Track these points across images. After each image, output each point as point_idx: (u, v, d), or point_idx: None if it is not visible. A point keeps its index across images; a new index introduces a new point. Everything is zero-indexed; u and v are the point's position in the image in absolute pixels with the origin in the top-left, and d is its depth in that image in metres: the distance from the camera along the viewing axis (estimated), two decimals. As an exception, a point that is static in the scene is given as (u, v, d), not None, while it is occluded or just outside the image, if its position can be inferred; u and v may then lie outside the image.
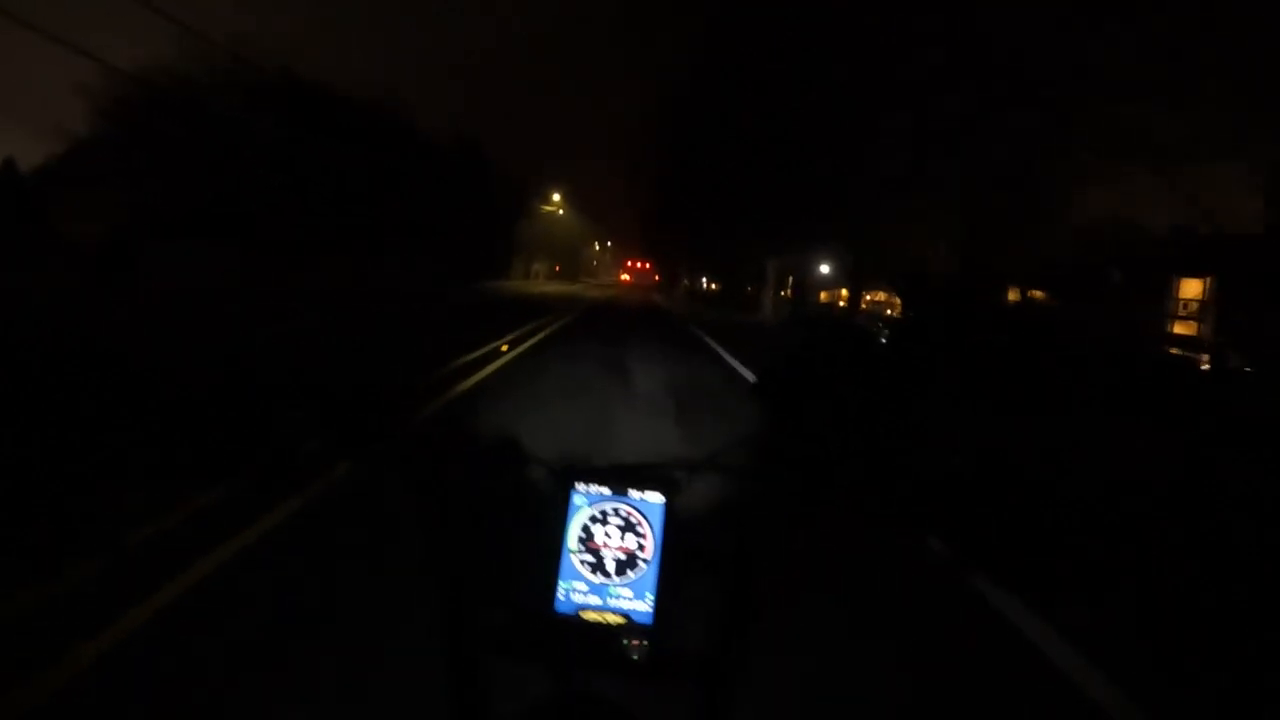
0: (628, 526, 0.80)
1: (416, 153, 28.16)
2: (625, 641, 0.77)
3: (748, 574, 0.83)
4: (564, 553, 0.80)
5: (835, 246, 22.06)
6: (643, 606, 0.78)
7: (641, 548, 0.80)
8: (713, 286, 55.40)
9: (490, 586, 0.83)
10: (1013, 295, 27.98)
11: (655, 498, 0.81)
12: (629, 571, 0.79)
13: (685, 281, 57.15)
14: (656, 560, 0.79)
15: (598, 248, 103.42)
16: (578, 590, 0.79)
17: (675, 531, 0.81)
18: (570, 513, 0.81)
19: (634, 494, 0.81)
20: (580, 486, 0.81)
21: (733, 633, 0.81)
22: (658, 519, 0.80)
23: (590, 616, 0.78)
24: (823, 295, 33.22)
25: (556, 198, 53.09)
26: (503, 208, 39.39)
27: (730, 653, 0.81)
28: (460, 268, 31.84)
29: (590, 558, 0.80)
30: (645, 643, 0.77)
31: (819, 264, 26.44)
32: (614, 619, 0.78)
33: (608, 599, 0.79)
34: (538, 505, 0.83)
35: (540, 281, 51.24)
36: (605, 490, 0.81)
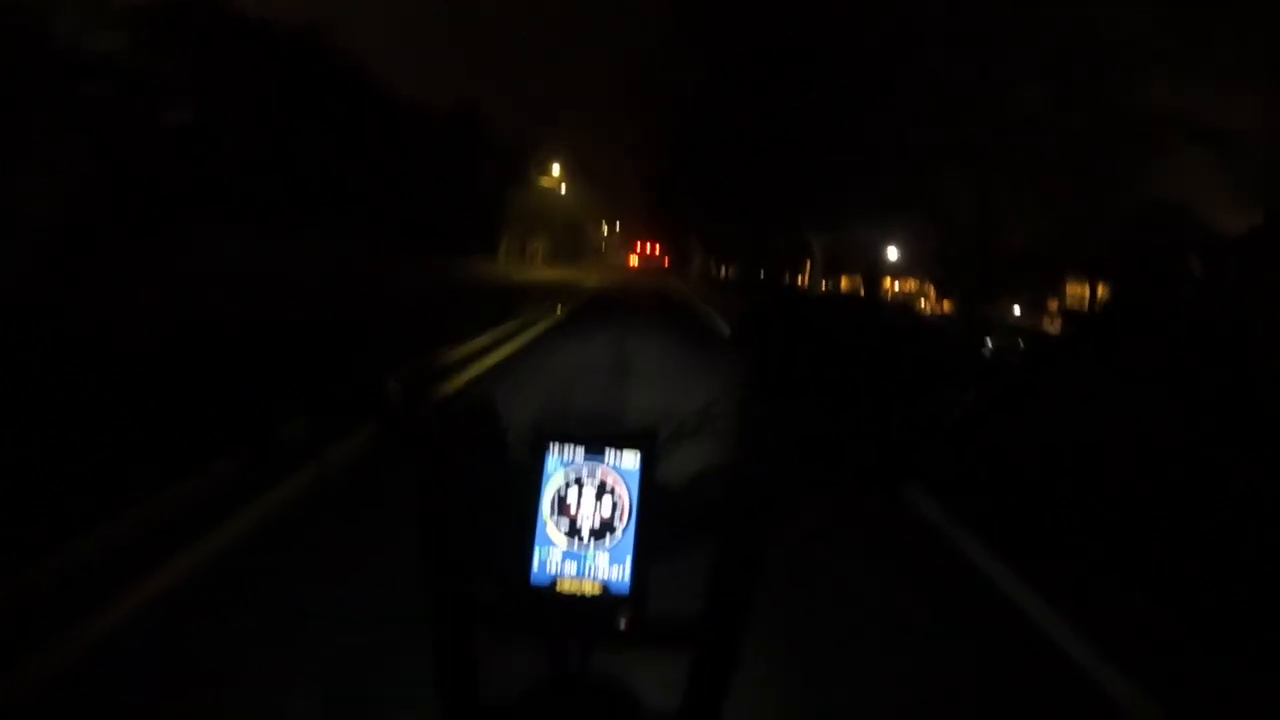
0: (603, 490, 0.82)
1: (364, 102, 25.35)
2: (605, 611, 0.79)
3: (742, 542, 0.84)
4: (538, 519, 0.81)
5: (913, 218, 18.04)
6: (619, 573, 0.79)
7: (618, 512, 0.81)
8: (728, 272, 53.73)
9: (475, 562, 0.84)
10: (1075, 288, 26.20)
11: (631, 460, 0.82)
12: (606, 537, 0.80)
13: (698, 264, 55.51)
14: (633, 525, 0.81)
15: (606, 230, 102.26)
16: (553, 558, 0.80)
17: (655, 496, 0.82)
18: (544, 478, 0.82)
19: (610, 456, 0.82)
20: (554, 449, 0.82)
21: (726, 602, 0.83)
22: (634, 482, 0.82)
23: (566, 586, 0.79)
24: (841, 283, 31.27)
25: (556, 170, 51.06)
26: (489, 175, 36.55)
27: (723, 623, 0.83)
28: (419, 244, 28.59)
29: (565, 523, 0.81)
30: (626, 612, 0.78)
31: (885, 245, 22.43)
32: (590, 587, 0.79)
33: (584, 566, 0.80)
34: (515, 474, 0.84)
35: (537, 265, 49.44)
36: (580, 453, 0.83)
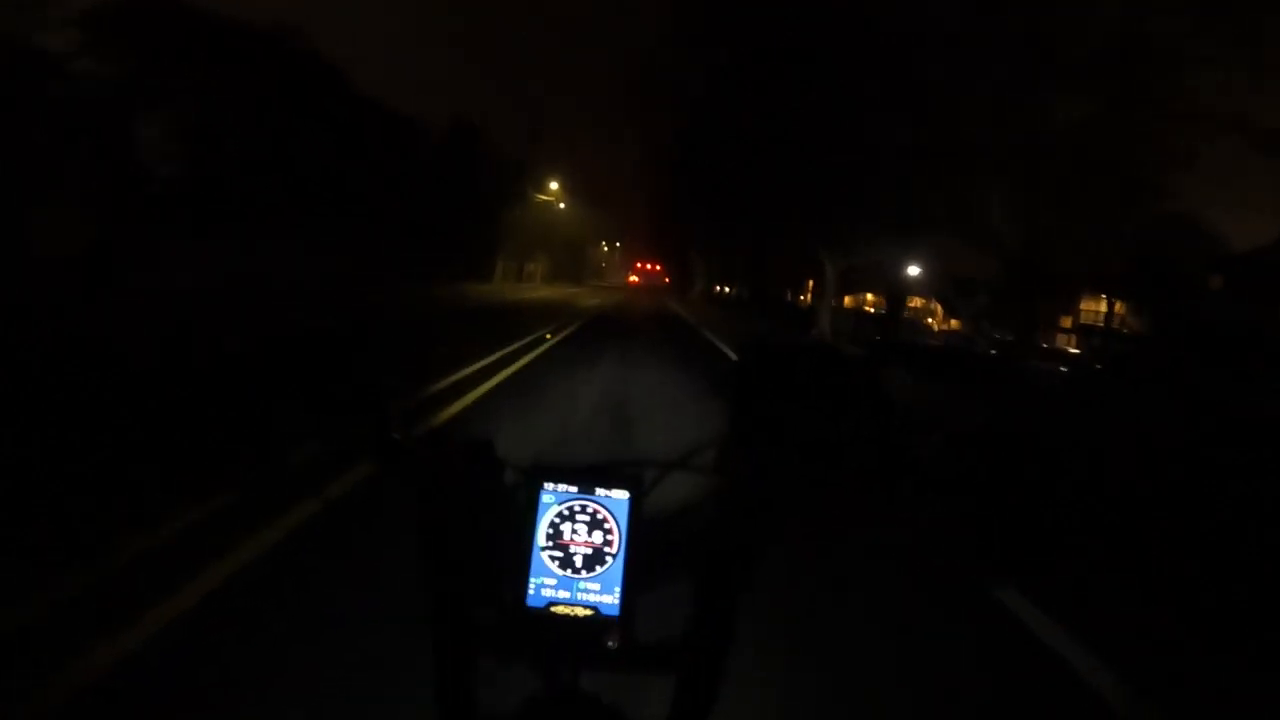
0: (594, 523, 0.88)
1: (354, 110, 25.10)
2: (596, 633, 0.85)
3: (722, 570, 0.90)
4: (534, 549, 0.87)
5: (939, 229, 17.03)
6: (609, 599, 0.86)
7: (608, 543, 0.88)
8: (726, 290, 53.91)
9: (475, 585, 0.90)
10: (1088, 304, 26.29)
11: (621, 495, 0.89)
12: (596, 566, 0.87)
13: (700, 281, 55.71)
14: (623, 555, 0.87)
15: (606, 249, 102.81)
16: (547, 585, 0.87)
17: (642, 527, 0.88)
18: (539, 511, 0.88)
19: (600, 492, 0.89)
20: (549, 485, 0.89)
21: (713, 618, 0.90)
22: (624, 515, 0.88)
23: (560, 610, 0.86)
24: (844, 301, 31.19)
25: (555, 186, 51.39)
26: (488, 185, 36.25)
27: (710, 638, 0.89)
28: (414, 260, 28.55)
29: (559, 554, 0.87)
30: (616, 633, 0.85)
31: (904, 263, 21.69)
32: (582, 611, 0.86)
33: (576, 593, 0.86)
34: (513, 505, 0.90)
35: (536, 283, 49.72)
36: (573, 489, 0.89)
